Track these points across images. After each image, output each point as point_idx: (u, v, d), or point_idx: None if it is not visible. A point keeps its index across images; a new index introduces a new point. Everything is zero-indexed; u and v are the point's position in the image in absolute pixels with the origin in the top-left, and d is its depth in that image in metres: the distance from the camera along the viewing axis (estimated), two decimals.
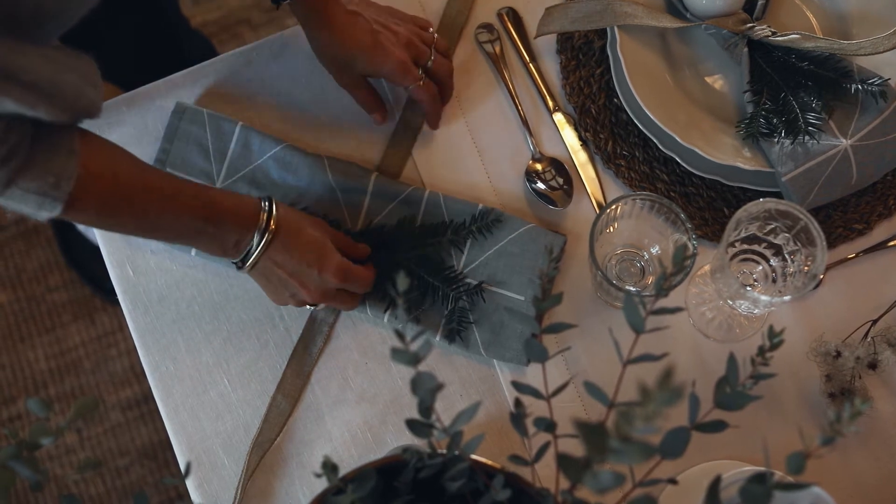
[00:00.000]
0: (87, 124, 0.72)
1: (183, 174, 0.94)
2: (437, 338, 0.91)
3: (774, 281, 0.87)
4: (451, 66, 0.98)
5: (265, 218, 0.82)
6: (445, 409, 0.91)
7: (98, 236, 0.97)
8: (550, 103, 1.00)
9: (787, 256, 0.85)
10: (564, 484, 0.53)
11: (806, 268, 0.82)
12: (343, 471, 0.64)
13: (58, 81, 0.66)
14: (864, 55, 0.91)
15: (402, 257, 0.92)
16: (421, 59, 0.94)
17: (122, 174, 0.76)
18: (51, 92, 0.65)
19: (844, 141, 0.90)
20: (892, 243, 0.95)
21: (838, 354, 0.88)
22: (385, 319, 0.92)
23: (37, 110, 0.64)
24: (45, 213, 0.70)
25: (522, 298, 0.91)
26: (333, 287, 0.86)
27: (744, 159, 0.92)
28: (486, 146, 0.99)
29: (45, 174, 0.68)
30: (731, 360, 0.60)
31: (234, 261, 0.84)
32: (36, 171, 0.68)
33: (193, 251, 0.93)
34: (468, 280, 0.92)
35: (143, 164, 0.79)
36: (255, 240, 0.82)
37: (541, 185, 0.96)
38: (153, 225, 0.79)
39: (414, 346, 0.56)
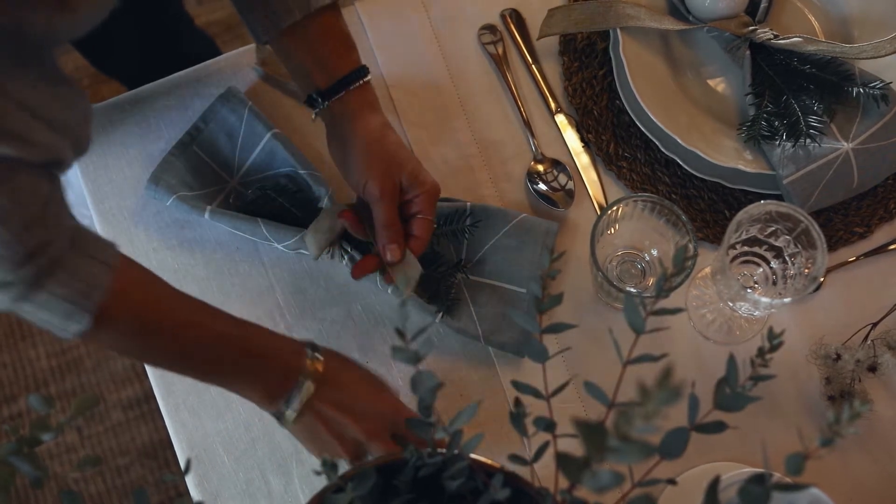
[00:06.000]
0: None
1: (207, 157, 0.95)
2: (439, 319, 0.90)
3: (775, 283, 0.87)
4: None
5: (310, 363, 0.77)
6: (445, 409, 0.91)
7: None
8: (553, 105, 1.00)
9: (787, 259, 0.85)
10: (564, 483, 0.53)
11: (806, 270, 0.82)
12: (342, 469, 0.64)
13: (66, 119, 0.65)
14: (866, 58, 0.91)
15: None
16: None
17: (156, 290, 0.74)
18: (63, 130, 0.64)
19: (846, 144, 0.90)
20: (892, 247, 0.95)
21: (838, 357, 0.88)
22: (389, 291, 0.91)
23: (42, 147, 0.62)
24: (73, 324, 0.68)
25: (524, 291, 0.91)
26: (385, 423, 0.77)
27: (745, 162, 0.92)
28: (488, 147, 0.99)
29: (75, 279, 0.66)
30: (731, 361, 0.60)
31: (276, 411, 0.78)
32: (66, 274, 0.66)
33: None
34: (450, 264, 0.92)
35: (176, 289, 0.77)
36: (304, 383, 0.77)
37: (542, 187, 0.96)
38: (186, 350, 0.75)
39: (414, 345, 0.56)
